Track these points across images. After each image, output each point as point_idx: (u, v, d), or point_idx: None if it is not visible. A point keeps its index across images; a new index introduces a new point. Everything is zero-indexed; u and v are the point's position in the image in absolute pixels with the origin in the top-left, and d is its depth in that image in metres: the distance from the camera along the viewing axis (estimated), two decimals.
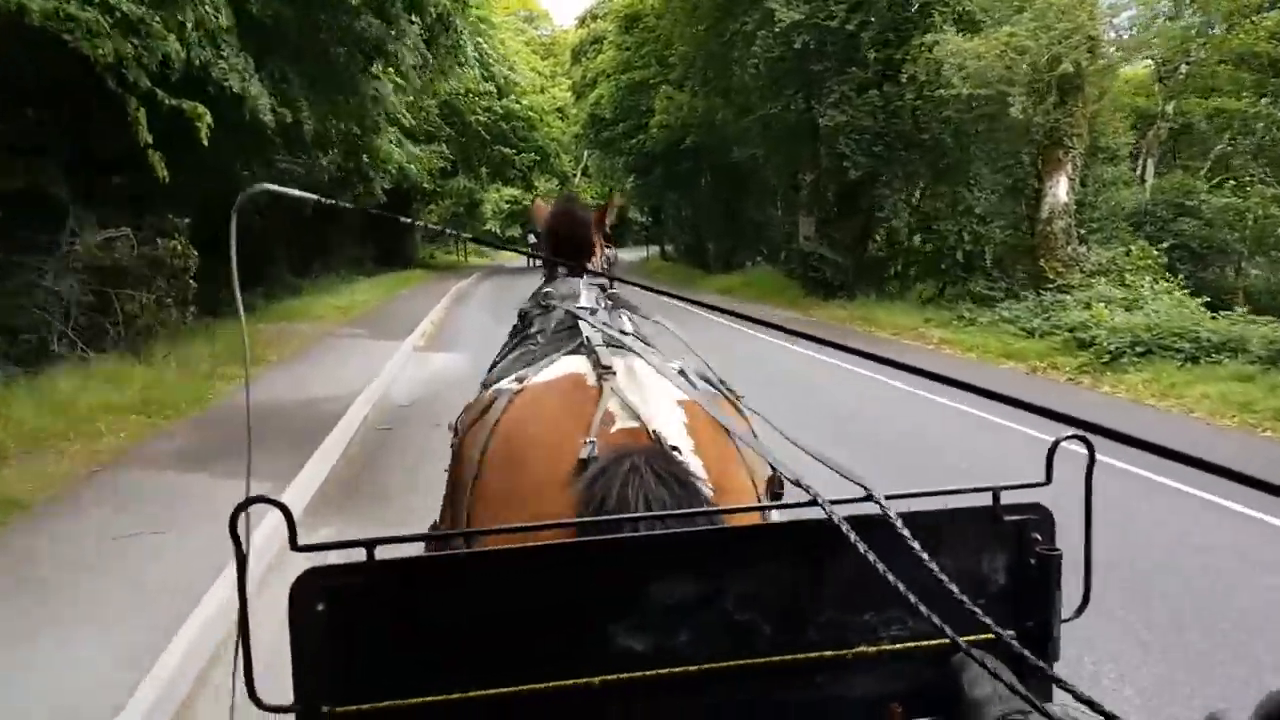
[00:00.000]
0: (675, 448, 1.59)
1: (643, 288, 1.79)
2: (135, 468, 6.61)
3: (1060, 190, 14.52)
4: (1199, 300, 12.32)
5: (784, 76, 19.79)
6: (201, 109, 8.79)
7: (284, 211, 22.31)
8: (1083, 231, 15.43)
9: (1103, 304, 12.22)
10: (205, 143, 8.85)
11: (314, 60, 12.08)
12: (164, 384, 9.50)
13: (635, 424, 1.65)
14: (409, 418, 8.93)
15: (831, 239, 20.83)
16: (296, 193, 1.52)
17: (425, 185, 30.79)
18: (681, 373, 1.97)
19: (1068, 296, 13.37)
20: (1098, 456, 1.29)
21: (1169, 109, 20.13)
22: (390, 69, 15.16)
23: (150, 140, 8.41)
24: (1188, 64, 19.51)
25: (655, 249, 51.03)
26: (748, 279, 26.03)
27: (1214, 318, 10.84)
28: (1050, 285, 14.01)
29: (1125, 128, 17.77)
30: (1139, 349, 10.44)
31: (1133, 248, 14.05)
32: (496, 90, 35.26)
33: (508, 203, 58.51)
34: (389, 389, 10.47)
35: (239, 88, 9.30)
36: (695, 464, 1.59)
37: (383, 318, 17.93)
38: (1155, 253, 14.02)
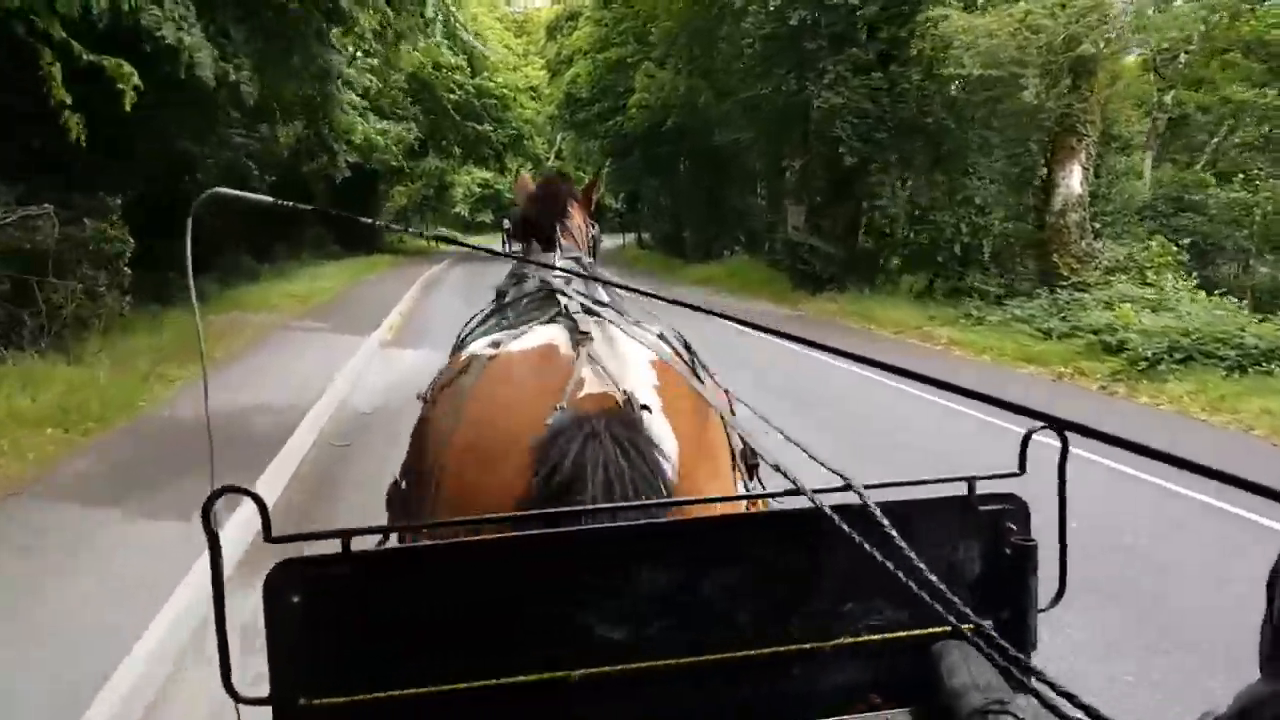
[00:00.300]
0: (645, 406, 1.59)
1: (625, 289, 1.77)
2: (30, 501, 5.44)
3: (1074, 181, 13.64)
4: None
5: (775, 55, 18.74)
6: (127, 68, 7.58)
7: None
8: (1096, 225, 14.55)
9: (1127, 304, 11.34)
10: (128, 106, 7.64)
11: (263, 17, 10.81)
12: (91, 387, 8.27)
13: (606, 388, 1.64)
14: (372, 428, 7.82)
15: (821, 229, 19.87)
16: (253, 197, 1.51)
17: (394, 163, 29.33)
18: (661, 337, 1.98)
19: (1085, 295, 12.50)
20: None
21: (1167, 99, 19.40)
22: (349, 34, 13.87)
23: (69, 101, 7.19)
24: (1187, 53, 18.76)
25: (632, 237, 49.88)
26: (729, 269, 25.03)
27: (1260, 321, 9.98)
28: (1065, 282, 13.14)
29: (1138, 115, 16.90)
30: (1178, 355, 9.58)
31: (1152, 243, 13.18)
32: (469, 66, 33.83)
33: (479, 185, 57.01)
34: (350, 393, 9.33)
35: (173, 38, 8.05)
36: (663, 424, 1.60)
37: (347, 308, 16.69)
38: (1175, 249, 13.17)
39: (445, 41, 31.68)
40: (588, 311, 2.02)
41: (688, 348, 2.09)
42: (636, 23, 30.02)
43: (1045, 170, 14.21)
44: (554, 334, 1.88)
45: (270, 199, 1.50)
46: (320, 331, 13.15)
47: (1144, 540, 5.17)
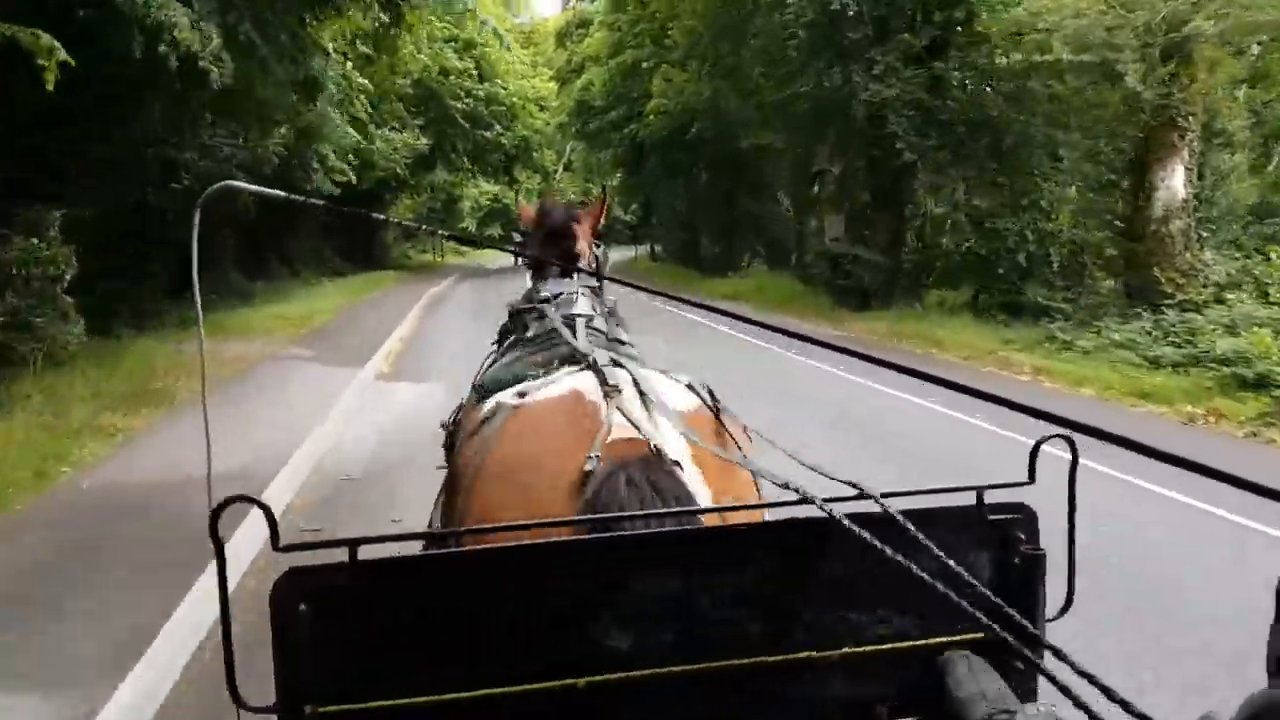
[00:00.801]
0: (677, 462, 1.59)
1: (671, 298, 1.81)
2: None
3: (1176, 182, 11.85)
4: None
5: (816, 47, 17.04)
6: (46, 39, 5.90)
7: (232, 202, 19.48)
8: (1202, 234, 12.74)
9: (1261, 328, 9.54)
10: (50, 86, 5.96)
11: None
12: (4, 444, 6.58)
13: (634, 435, 1.64)
14: (358, 504, 6.08)
15: (864, 238, 18.12)
16: (265, 190, 1.46)
17: (399, 172, 27.72)
18: (689, 387, 1.98)
19: (1196, 316, 10.70)
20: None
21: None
22: (338, 26, 12.22)
23: None
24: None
25: (643, 249, 48.22)
26: (755, 284, 23.27)
27: None
28: (1167, 300, 11.34)
29: (1240, 107, 15.07)
30: None
31: (1273, 254, 11.35)
32: (476, 73, 32.30)
33: (488, 199, 55.49)
34: (334, 447, 7.60)
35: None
36: (694, 475, 1.61)
37: (342, 332, 15.00)
38: None
39: (452, 44, 30.27)
40: (616, 360, 2.01)
41: (712, 395, 2.01)
42: (653, 25, 28.40)
43: (1138, 170, 12.39)
44: (582, 383, 1.86)
45: (283, 194, 1.49)
46: (308, 363, 11.42)
47: None
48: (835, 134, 17.75)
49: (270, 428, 7.57)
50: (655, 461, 1.56)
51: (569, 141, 50.07)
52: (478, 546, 1.31)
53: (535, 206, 3.05)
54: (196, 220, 1.30)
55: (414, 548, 1.57)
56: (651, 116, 26.00)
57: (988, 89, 14.69)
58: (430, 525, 2.04)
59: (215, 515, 1.08)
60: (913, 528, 1.13)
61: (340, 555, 1.15)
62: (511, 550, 1.25)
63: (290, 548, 1.12)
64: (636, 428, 1.66)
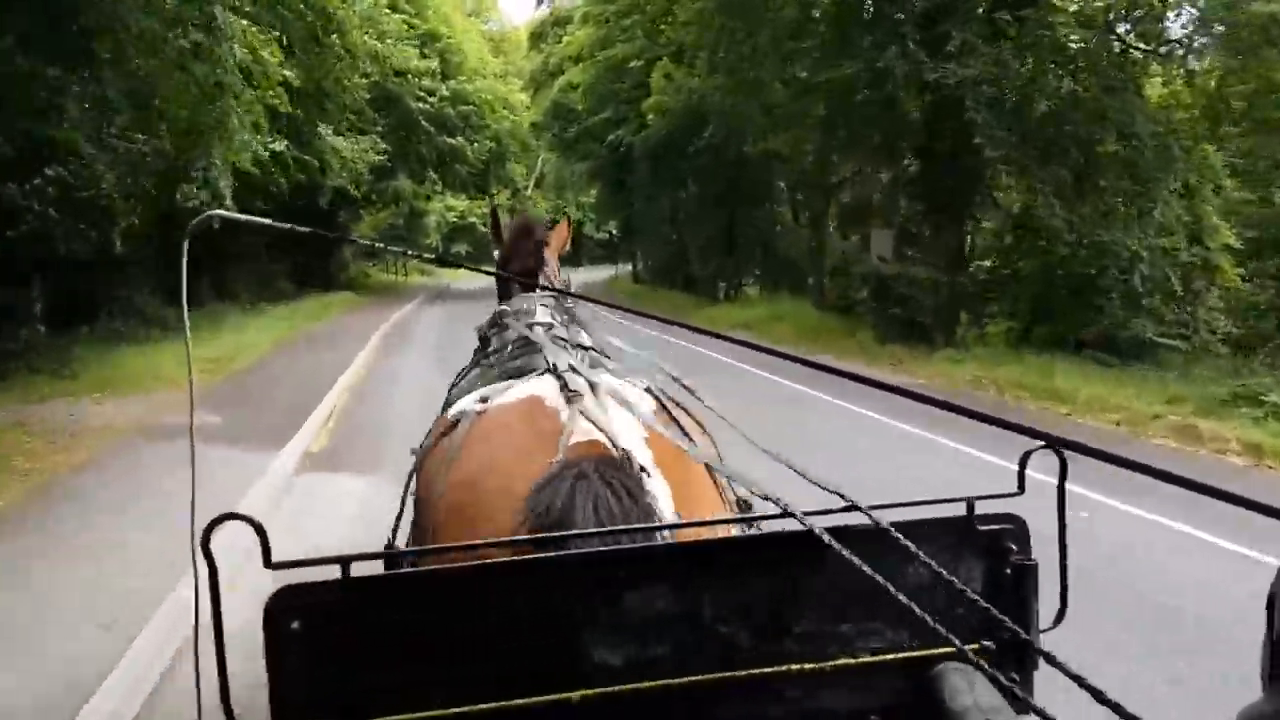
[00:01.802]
0: (644, 468, 1.58)
1: (618, 308, 1.87)
2: None
3: None
4: None
5: (860, 21, 13.94)
6: None
7: (148, 204, 15.87)
8: None
9: None
10: None
11: None
12: None
13: (598, 437, 1.64)
14: None
15: (911, 257, 15.01)
16: (254, 219, 1.48)
17: (354, 190, 24.20)
18: (648, 390, 1.98)
19: None
20: None
21: None
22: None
23: None
24: None
25: (625, 268, 45.02)
26: (770, 311, 20.03)
27: None
28: None
29: None
30: None
31: None
32: (440, 70, 28.91)
33: (455, 216, 51.97)
34: (201, 642, 4.18)
35: None
36: (658, 479, 1.59)
37: (269, 382, 11.55)
38: None
39: (411, 39, 26.84)
40: (575, 366, 1.99)
41: (670, 399, 2.02)
42: (644, 18, 25.30)
43: None
44: (541, 388, 1.88)
45: (266, 220, 1.50)
46: (205, 442, 7.86)
47: None
48: (883, 129, 14.57)
49: (74, 622, 4.11)
50: (611, 459, 1.55)
51: (541, 152, 46.85)
52: (467, 563, 1.27)
53: (511, 222, 3.11)
54: (186, 249, 1.31)
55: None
56: (650, 117, 22.68)
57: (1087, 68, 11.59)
58: (406, 536, 1.98)
59: (207, 533, 1.10)
60: (901, 537, 1.12)
61: (332, 572, 1.15)
62: (501, 566, 1.24)
63: (282, 565, 1.12)
64: (597, 428, 1.66)
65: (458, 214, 51.59)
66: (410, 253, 1.96)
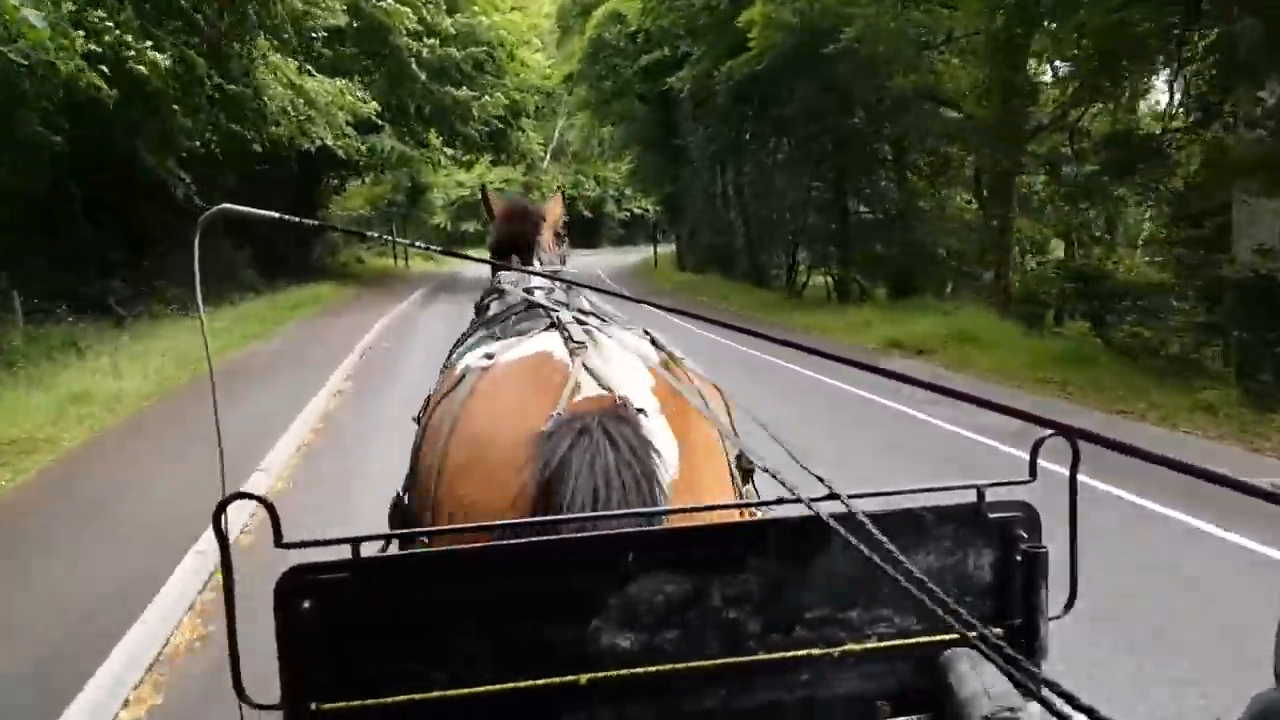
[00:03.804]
0: (641, 409, 1.57)
1: (616, 294, 1.93)
2: None
3: None
4: None
5: None
6: None
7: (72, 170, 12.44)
8: None
9: None
10: None
11: None
12: None
13: (601, 391, 1.63)
14: None
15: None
16: (263, 213, 1.43)
17: (335, 145, 17.48)
18: (653, 342, 1.98)
19: None
20: None
21: None
22: None
23: None
24: None
25: (665, 249, 38.38)
26: (949, 326, 13.22)
27: None
28: None
29: None
30: None
31: None
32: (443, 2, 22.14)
33: (465, 191, 45.27)
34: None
35: None
36: (660, 424, 1.59)
37: (143, 461, 5.12)
38: None
39: None
40: (578, 320, 2.02)
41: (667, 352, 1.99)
42: None
43: None
44: (548, 343, 1.87)
45: (274, 214, 1.43)
46: None
47: None
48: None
49: None
50: (617, 411, 1.52)
51: (562, 115, 40.04)
52: (477, 544, 1.26)
53: (502, 203, 3.08)
54: (197, 244, 1.27)
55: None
56: (754, 39, 15.71)
57: None
58: (403, 492, 1.94)
59: (219, 511, 1.11)
60: (873, 526, 1.11)
61: (343, 552, 1.14)
62: (510, 547, 1.24)
63: (293, 545, 1.13)
64: (599, 382, 1.64)
65: (468, 188, 44.91)
66: (385, 237, 2.47)
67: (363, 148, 18.33)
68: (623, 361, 1.76)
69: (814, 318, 16.69)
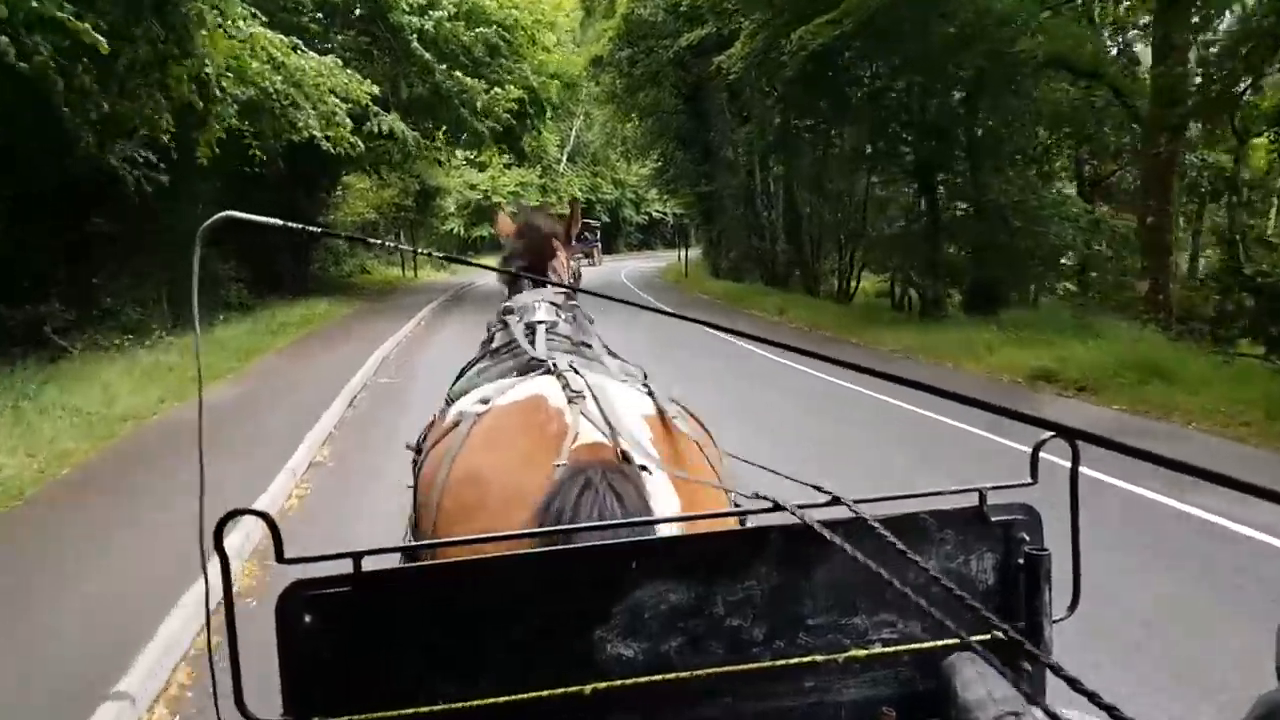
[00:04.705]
0: (644, 467, 1.58)
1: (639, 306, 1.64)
2: None
3: None
4: None
5: None
6: None
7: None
8: None
9: None
10: None
11: None
12: None
13: (601, 439, 1.64)
14: None
15: None
16: (270, 220, 1.37)
17: (324, 139, 14.55)
18: (649, 392, 1.97)
19: None
20: None
21: None
22: None
23: None
24: None
25: (673, 255, 35.35)
26: (1116, 352, 10.14)
27: None
28: None
29: None
30: None
31: None
32: None
33: (478, 193, 42.35)
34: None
35: None
36: (662, 481, 1.59)
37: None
38: None
39: None
40: (576, 366, 2.01)
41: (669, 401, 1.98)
42: None
43: None
44: (542, 388, 1.87)
45: (278, 221, 1.37)
46: None
47: None
48: None
49: None
50: (620, 468, 1.54)
51: (581, 110, 37.12)
52: (475, 557, 1.26)
53: (512, 219, 3.10)
54: (197, 258, 1.23)
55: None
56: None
57: None
58: (405, 535, 1.92)
59: (220, 527, 1.08)
60: (882, 528, 1.12)
61: (344, 567, 1.13)
62: (510, 560, 1.24)
63: (295, 560, 1.11)
64: (602, 432, 1.65)
65: (481, 192, 42.02)
66: (394, 245, 1.97)
67: (358, 139, 15.38)
68: (621, 413, 1.74)
69: (913, 337, 13.60)
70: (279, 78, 13.13)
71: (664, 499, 1.54)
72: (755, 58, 16.38)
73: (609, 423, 1.69)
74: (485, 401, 1.88)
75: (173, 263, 15.07)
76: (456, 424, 1.84)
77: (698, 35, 19.18)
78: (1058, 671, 0.89)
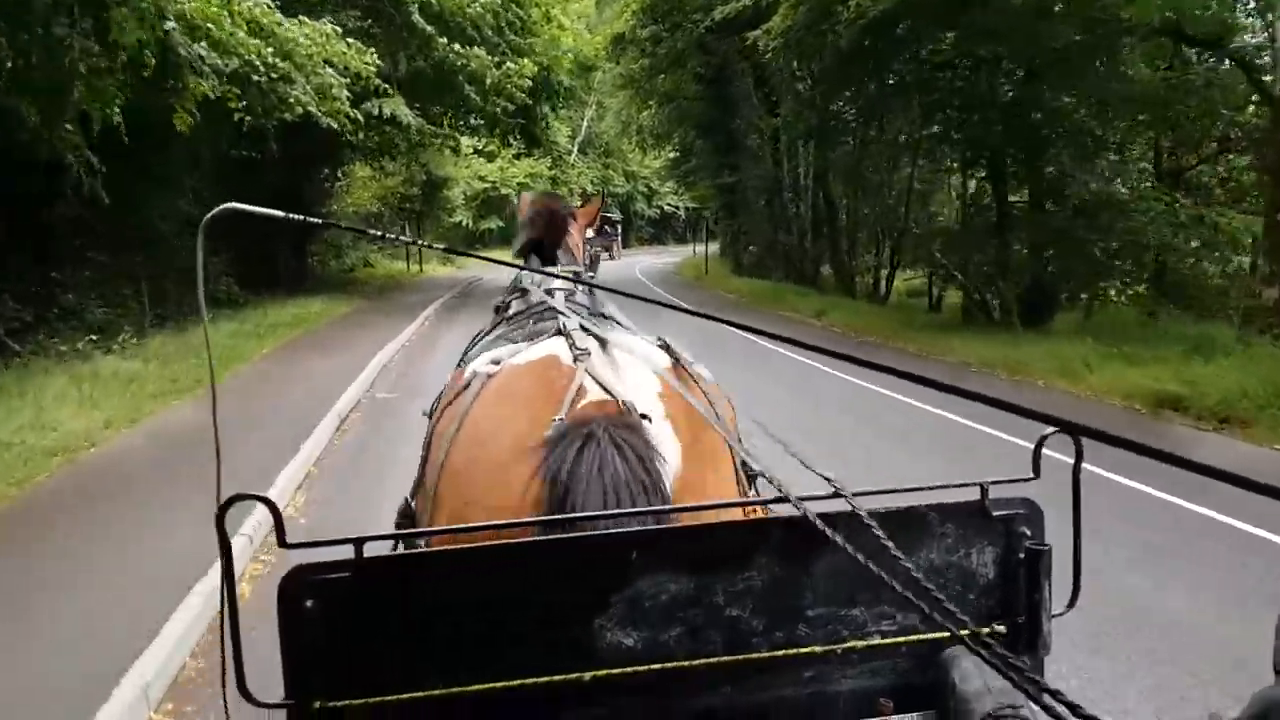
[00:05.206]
0: (645, 415, 1.57)
1: (635, 298, 1.75)
2: None
3: None
4: None
5: None
6: None
7: None
8: None
9: None
10: None
11: None
12: None
13: (606, 396, 1.62)
14: None
15: None
16: (271, 212, 1.35)
17: (323, 115, 12.91)
18: (664, 346, 1.94)
19: None
20: None
21: None
22: None
23: None
24: None
25: (689, 249, 33.71)
26: (1262, 375, 8.50)
27: None
28: None
29: None
30: None
31: None
32: None
33: (486, 184, 40.73)
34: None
35: None
36: (665, 430, 1.58)
37: None
38: None
39: None
40: (587, 327, 2.00)
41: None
42: None
43: None
44: (554, 348, 1.86)
45: (280, 212, 1.34)
46: None
47: None
48: None
49: None
50: (623, 419, 1.52)
51: (595, 98, 35.47)
52: (479, 543, 1.25)
53: (530, 200, 3.04)
54: (201, 243, 1.23)
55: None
56: None
57: None
58: (411, 497, 1.92)
59: (222, 512, 1.08)
60: (875, 525, 1.12)
61: (346, 552, 1.12)
62: (511, 546, 1.22)
63: (296, 545, 1.12)
64: (603, 387, 1.63)
65: (489, 182, 40.40)
66: (399, 239, 1.88)
67: (359, 116, 13.77)
68: (629, 366, 1.76)
69: (986, 347, 11.93)
70: (269, 49, 11.48)
71: (667, 449, 1.51)
72: (796, 32, 14.71)
73: (613, 376, 1.67)
74: (496, 362, 1.86)
75: (153, 256, 13.54)
76: (468, 385, 1.82)
77: (735, 7, 17.49)
78: (1020, 671, 0.89)
